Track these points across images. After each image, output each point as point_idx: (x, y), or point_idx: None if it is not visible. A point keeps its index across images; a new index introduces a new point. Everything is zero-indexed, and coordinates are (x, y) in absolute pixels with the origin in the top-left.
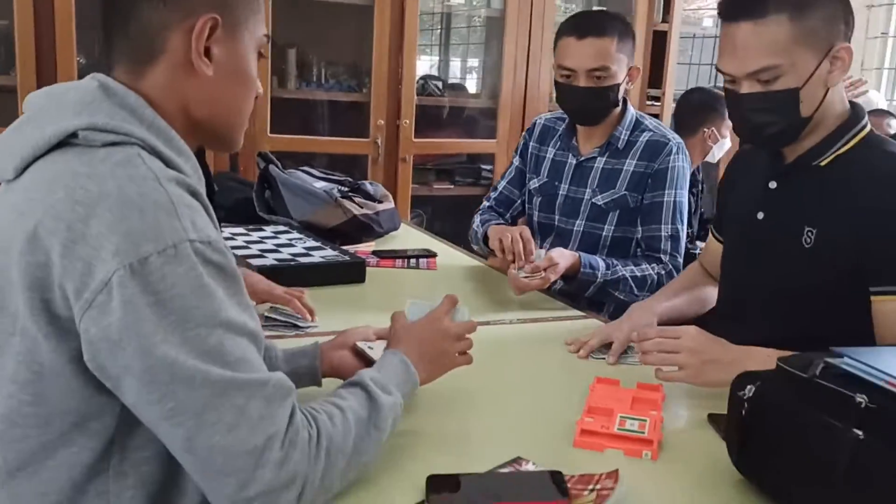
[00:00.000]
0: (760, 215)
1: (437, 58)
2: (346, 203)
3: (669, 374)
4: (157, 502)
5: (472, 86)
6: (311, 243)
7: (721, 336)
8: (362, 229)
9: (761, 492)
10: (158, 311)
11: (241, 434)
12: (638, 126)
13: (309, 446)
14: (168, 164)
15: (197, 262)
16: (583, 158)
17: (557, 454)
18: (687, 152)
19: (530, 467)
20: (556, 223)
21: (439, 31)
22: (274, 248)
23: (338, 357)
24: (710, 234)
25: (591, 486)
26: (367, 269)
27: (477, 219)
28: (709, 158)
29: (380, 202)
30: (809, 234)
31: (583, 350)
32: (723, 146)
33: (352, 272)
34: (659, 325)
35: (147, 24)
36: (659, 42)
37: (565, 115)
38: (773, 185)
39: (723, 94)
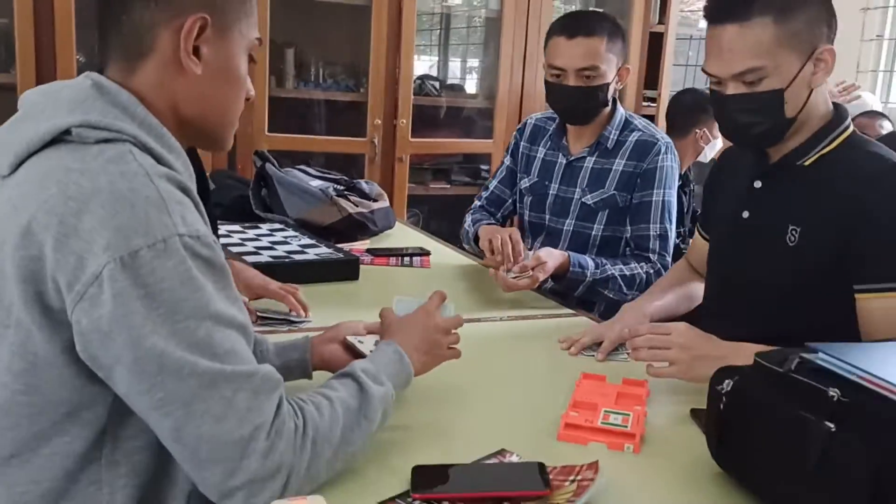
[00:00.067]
0: (746, 214)
1: (437, 58)
2: (342, 201)
3: (660, 370)
4: (148, 491)
5: (471, 86)
6: (307, 241)
7: (707, 332)
8: (357, 227)
9: (739, 484)
10: (148, 303)
11: (228, 425)
12: (627, 126)
13: (295, 437)
14: (159, 160)
15: (186, 256)
16: (573, 158)
17: (541, 447)
18: (676, 152)
19: (514, 459)
20: (546, 223)
21: (439, 31)
22: (269, 245)
23: (328, 351)
24: (697, 232)
25: (572, 477)
26: (361, 266)
27: (468, 218)
28: (701, 158)
29: (375, 201)
30: (794, 232)
31: (574, 347)
32: (715, 146)
33: (346, 270)
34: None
35: (138, 23)
36: (655, 43)
37: (556, 115)
38: (758, 184)
39: None
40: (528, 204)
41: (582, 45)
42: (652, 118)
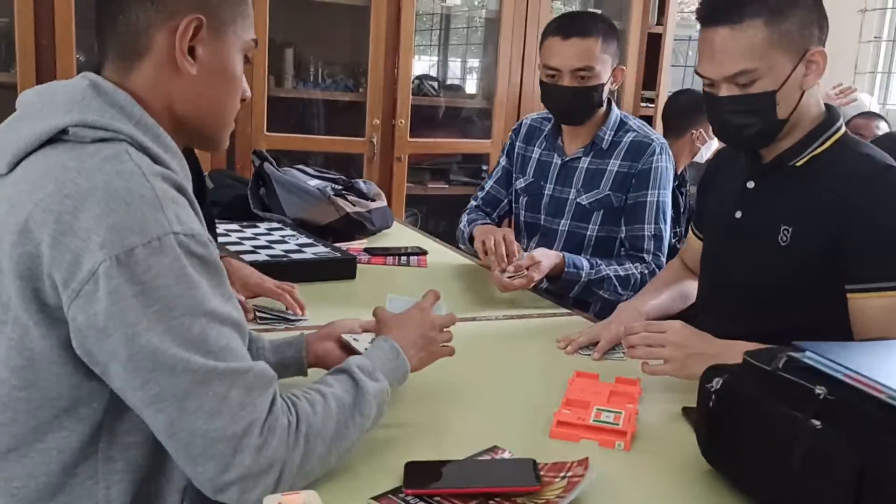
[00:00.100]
0: (738, 214)
1: (436, 58)
2: (339, 201)
3: (655, 368)
4: (144, 486)
5: (470, 86)
6: (304, 240)
7: (701, 331)
8: (355, 227)
9: (728, 481)
10: (143, 300)
11: (221, 421)
12: (622, 126)
13: (288, 433)
14: (155, 160)
15: (181, 254)
16: (568, 158)
17: (534, 444)
18: (670, 153)
19: (506, 456)
20: (541, 223)
21: (438, 31)
22: (267, 244)
23: (323, 348)
24: (691, 231)
25: (562, 474)
26: (359, 265)
27: (464, 218)
28: (697, 159)
29: (372, 200)
30: (786, 232)
31: (570, 346)
32: (711, 147)
33: (343, 269)
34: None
35: (134, 23)
36: (653, 44)
37: (552, 116)
38: (750, 184)
39: None
40: (524, 204)
41: (577, 45)
42: (650, 119)
